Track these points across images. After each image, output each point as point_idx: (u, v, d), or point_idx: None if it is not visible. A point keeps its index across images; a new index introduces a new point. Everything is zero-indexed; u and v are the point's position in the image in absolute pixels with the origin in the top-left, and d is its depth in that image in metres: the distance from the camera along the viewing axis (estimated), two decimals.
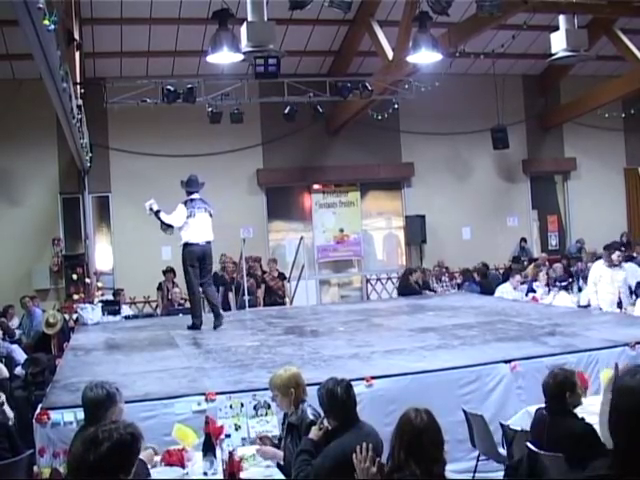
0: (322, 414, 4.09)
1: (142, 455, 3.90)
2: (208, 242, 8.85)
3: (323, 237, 15.35)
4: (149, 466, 3.93)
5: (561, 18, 10.13)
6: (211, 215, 8.92)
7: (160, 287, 12.55)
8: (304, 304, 11.60)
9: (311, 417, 4.14)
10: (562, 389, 4.16)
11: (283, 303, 12.15)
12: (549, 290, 10.66)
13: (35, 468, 4.58)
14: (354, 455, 3.30)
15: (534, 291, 10.73)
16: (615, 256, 9.25)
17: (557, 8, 10.22)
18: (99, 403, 3.95)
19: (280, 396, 4.34)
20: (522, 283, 11.38)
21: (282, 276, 12.58)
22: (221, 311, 9.20)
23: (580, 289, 10.98)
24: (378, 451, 3.54)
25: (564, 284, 10.98)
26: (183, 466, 4.14)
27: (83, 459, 2.52)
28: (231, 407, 4.69)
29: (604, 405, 2.47)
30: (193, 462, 4.18)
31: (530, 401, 5.11)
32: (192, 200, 8.89)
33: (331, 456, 3.75)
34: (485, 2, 8.32)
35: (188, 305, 12.05)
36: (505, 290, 10.95)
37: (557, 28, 10.16)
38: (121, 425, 2.66)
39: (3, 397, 5.54)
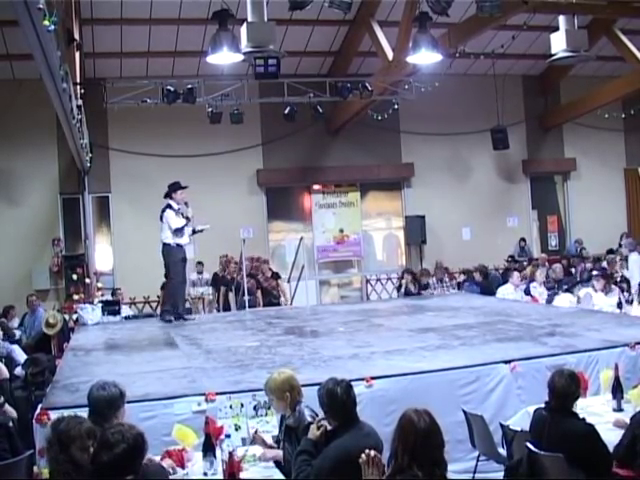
0: (320, 415, 4.10)
1: (165, 463, 3.93)
2: (163, 243, 9.53)
3: (323, 237, 15.35)
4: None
5: (561, 18, 10.12)
6: (160, 219, 9.51)
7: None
8: (304, 304, 11.58)
9: (309, 419, 4.14)
10: (570, 388, 4.15)
11: (278, 303, 12.12)
12: (552, 292, 10.56)
13: (35, 468, 4.57)
14: (361, 457, 3.28)
15: (530, 294, 10.70)
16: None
17: (557, 8, 10.22)
18: (111, 402, 3.94)
19: (276, 400, 4.34)
20: (521, 280, 11.35)
21: (275, 275, 12.55)
22: (164, 309, 9.98)
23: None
24: (378, 451, 3.54)
25: (566, 287, 10.91)
26: (183, 466, 4.14)
27: (95, 460, 2.52)
28: (231, 407, 4.68)
29: None
30: (193, 462, 4.18)
31: (530, 401, 5.10)
32: None
33: (331, 456, 3.75)
34: (485, 2, 8.31)
35: (187, 305, 12.14)
36: (506, 292, 10.88)
37: (557, 28, 10.15)
38: (128, 427, 2.66)
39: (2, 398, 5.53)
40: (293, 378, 4.38)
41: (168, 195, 9.59)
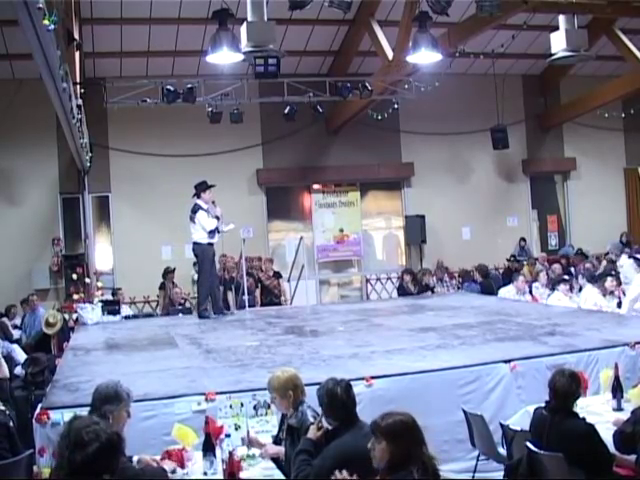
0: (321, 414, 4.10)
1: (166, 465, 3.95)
2: (193, 242, 9.84)
3: (323, 237, 15.35)
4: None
5: (561, 18, 10.11)
6: (191, 219, 9.71)
7: (163, 286, 12.58)
8: (304, 304, 11.59)
9: (311, 419, 4.14)
10: (571, 387, 4.15)
11: (279, 302, 12.14)
12: (552, 291, 10.52)
13: (35, 468, 4.58)
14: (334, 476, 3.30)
15: (531, 294, 10.69)
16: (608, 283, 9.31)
17: (557, 8, 10.21)
18: (104, 399, 4.00)
19: (278, 398, 4.34)
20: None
21: (277, 275, 12.57)
22: (202, 308, 10.00)
23: (581, 288, 10.88)
24: None
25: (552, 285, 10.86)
26: (183, 466, 4.14)
27: (69, 459, 2.49)
28: (231, 407, 4.68)
29: None
30: (193, 462, 4.18)
31: (530, 401, 5.11)
32: None
33: (331, 456, 3.75)
34: (485, 2, 8.31)
35: (188, 305, 12.15)
36: (508, 294, 10.76)
37: (557, 28, 10.15)
38: (103, 426, 2.64)
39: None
40: (297, 377, 4.39)
41: (197, 195, 9.77)
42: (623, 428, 4.07)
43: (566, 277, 10.20)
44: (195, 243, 9.76)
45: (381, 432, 3.18)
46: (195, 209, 9.66)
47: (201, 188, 9.78)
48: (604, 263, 12.61)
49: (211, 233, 9.65)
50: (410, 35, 10.17)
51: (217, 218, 9.68)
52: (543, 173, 16.74)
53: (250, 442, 4.39)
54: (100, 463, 2.50)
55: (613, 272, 10.11)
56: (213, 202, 9.77)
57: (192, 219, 9.67)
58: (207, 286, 9.96)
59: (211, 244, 9.79)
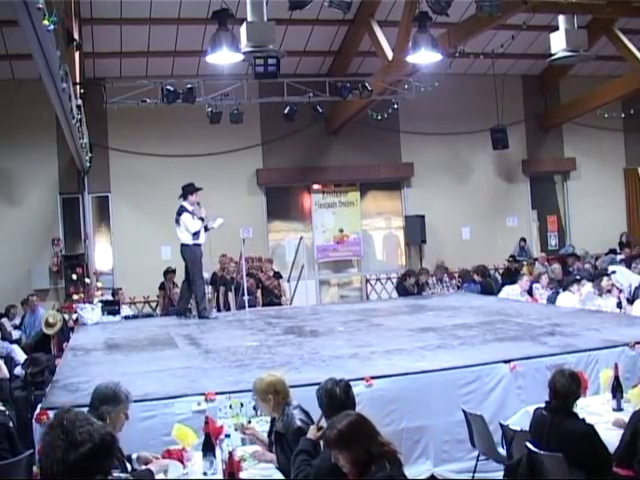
0: (313, 417, 4.09)
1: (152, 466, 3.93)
2: (181, 244, 9.85)
3: (323, 237, 15.35)
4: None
5: (561, 18, 10.12)
6: (177, 222, 9.76)
7: (163, 287, 12.59)
8: (304, 304, 11.58)
9: (298, 423, 4.12)
10: (571, 388, 4.15)
11: (279, 303, 12.13)
12: (554, 292, 10.51)
13: (35, 468, 4.57)
14: None
15: (531, 294, 10.68)
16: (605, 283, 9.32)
17: (557, 8, 10.22)
18: (102, 398, 4.01)
19: (259, 401, 4.38)
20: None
21: (277, 275, 12.57)
22: (193, 308, 10.23)
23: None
24: None
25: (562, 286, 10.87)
26: (183, 466, 4.14)
27: (62, 460, 2.48)
28: (231, 407, 4.69)
29: None
30: (193, 462, 4.18)
31: (530, 401, 5.11)
32: None
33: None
34: (485, 2, 8.30)
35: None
36: (512, 293, 10.76)
37: (557, 28, 10.15)
38: (97, 426, 2.63)
39: None
40: (280, 382, 4.36)
41: (183, 197, 9.82)
42: (622, 444, 4.07)
43: (578, 277, 10.19)
44: (183, 245, 9.80)
45: (334, 443, 3.17)
46: (180, 211, 9.72)
47: (188, 190, 9.83)
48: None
49: (195, 235, 9.67)
50: (410, 35, 10.17)
51: (202, 219, 9.71)
52: (543, 173, 16.74)
53: (245, 431, 4.38)
54: (93, 464, 2.49)
55: (609, 272, 10.14)
56: (198, 203, 9.81)
57: (177, 221, 9.72)
58: (203, 286, 10.03)
59: (198, 245, 9.78)
